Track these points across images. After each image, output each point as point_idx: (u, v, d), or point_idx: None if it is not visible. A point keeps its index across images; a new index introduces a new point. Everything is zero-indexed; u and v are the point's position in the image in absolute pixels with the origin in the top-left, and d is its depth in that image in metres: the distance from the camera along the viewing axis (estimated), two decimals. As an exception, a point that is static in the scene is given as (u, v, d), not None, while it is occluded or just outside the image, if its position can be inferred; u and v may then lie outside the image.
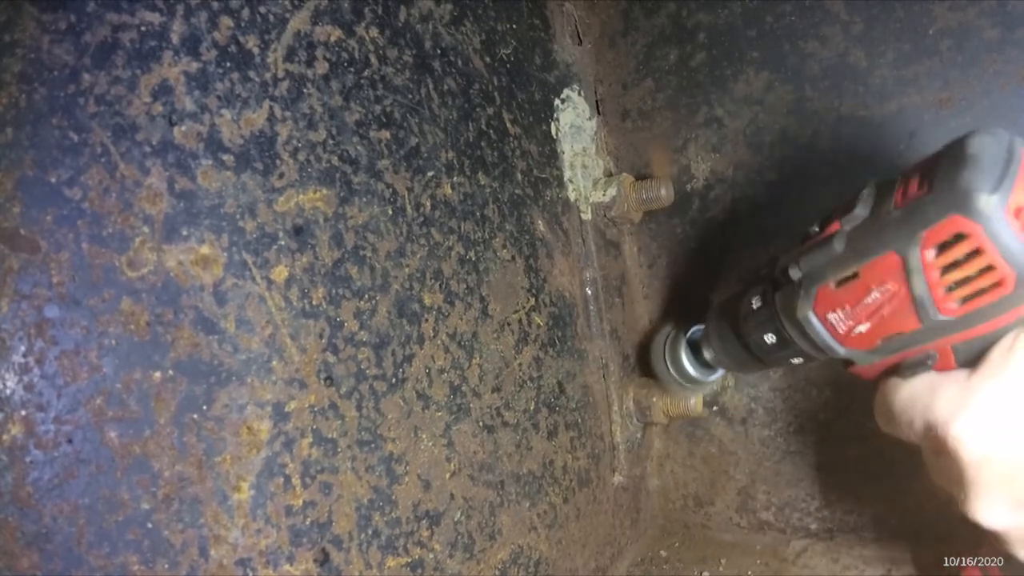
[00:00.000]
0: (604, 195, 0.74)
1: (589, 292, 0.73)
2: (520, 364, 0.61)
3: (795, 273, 0.47)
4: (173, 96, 0.38)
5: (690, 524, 0.83)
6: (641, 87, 0.78)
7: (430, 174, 0.53)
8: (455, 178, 0.56)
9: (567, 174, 0.73)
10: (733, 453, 0.78)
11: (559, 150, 0.72)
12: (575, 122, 0.75)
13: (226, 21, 0.41)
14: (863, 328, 0.43)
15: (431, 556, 0.49)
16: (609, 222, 0.77)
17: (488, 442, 0.56)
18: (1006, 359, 0.38)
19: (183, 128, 0.38)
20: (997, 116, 0.60)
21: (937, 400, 0.41)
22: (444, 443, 0.52)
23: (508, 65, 0.66)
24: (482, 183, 0.59)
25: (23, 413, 0.32)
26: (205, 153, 0.39)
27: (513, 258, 0.62)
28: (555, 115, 0.72)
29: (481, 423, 0.55)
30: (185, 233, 0.38)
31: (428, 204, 0.53)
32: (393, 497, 0.47)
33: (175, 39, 0.38)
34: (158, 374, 0.36)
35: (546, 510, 0.62)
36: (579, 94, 0.76)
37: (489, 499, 0.55)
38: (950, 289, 0.38)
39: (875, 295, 0.41)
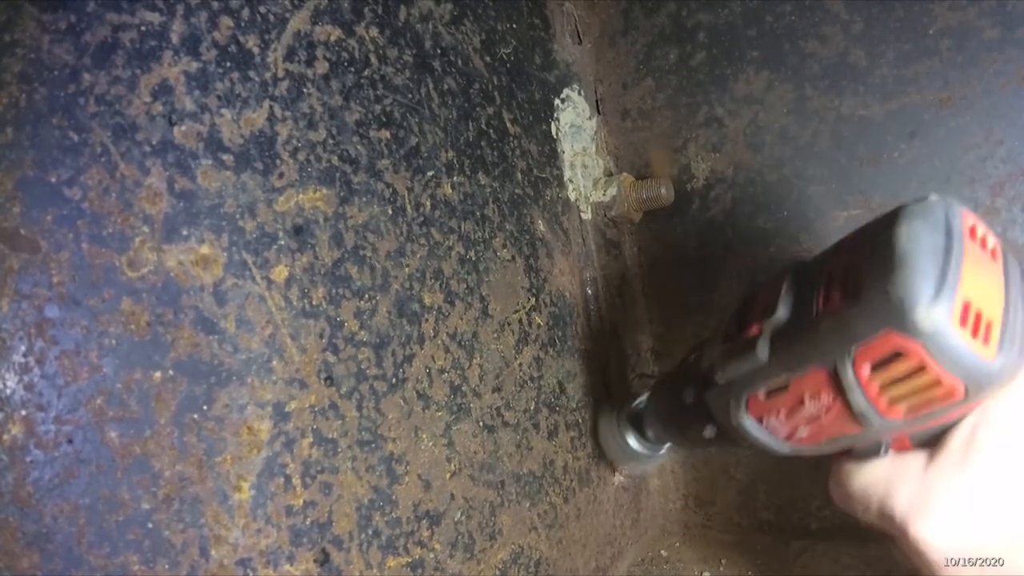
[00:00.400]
0: (604, 195, 0.74)
1: (589, 292, 0.73)
2: (520, 364, 0.61)
3: (720, 378, 0.44)
4: (173, 96, 0.38)
5: (690, 524, 0.83)
6: (641, 87, 0.78)
7: (430, 174, 0.53)
8: (455, 178, 0.56)
9: (567, 174, 0.73)
10: (733, 453, 0.78)
11: (559, 150, 0.72)
12: (575, 122, 0.75)
13: (226, 21, 0.41)
14: (804, 433, 0.40)
15: (431, 556, 0.49)
16: (609, 222, 0.77)
17: (488, 442, 0.56)
18: (967, 449, 0.36)
19: (183, 128, 0.38)
20: (997, 116, 0.60)
21: (895, 493, 0.38)
22: (444, 443, 0.52)
23: (508, 65, 0.66)
24: (482, 183, 0.59)
25: (23, 413, 0.32)
26: (205, 153, 0.39)
27: (513, 258, 0.62)
28: (555, 115, 0.72)
29: (481, 423, 0.55)
30: (185, 233, 0.38)
31: (428, 204, 0.53)
32: (393, 497, 0.47)
33: (175, 39, 0.38)
34: (158, 374, 0.36)
35: (546, 510, 0.62)
36: (579, 94, 0.76)
37: (489, 499, 0.55)
38: (894, 400, 0.35)
39: (810, 407, 0.38)
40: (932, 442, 0.38)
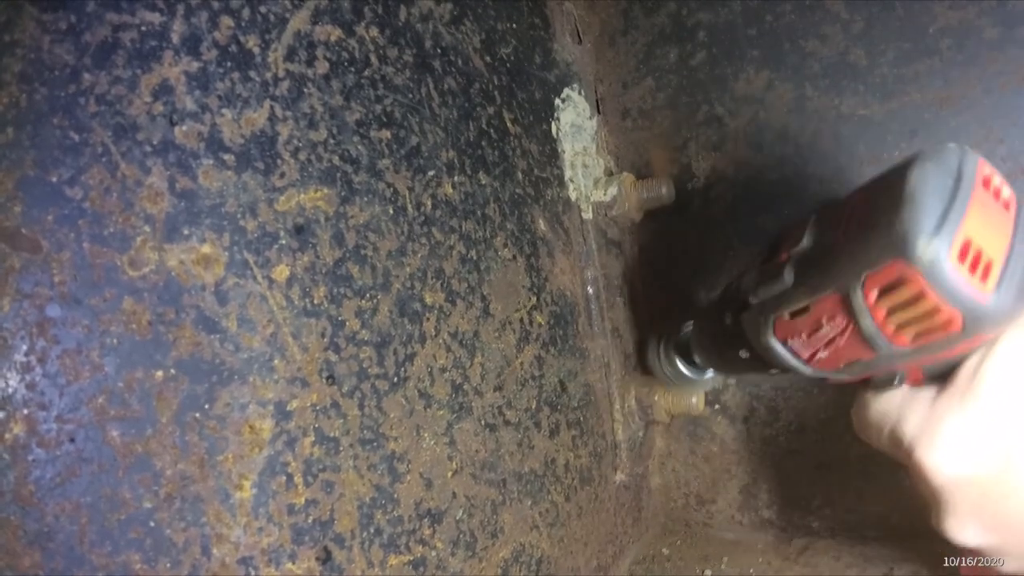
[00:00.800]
0: (605, 194, 0.74)
1: (590, 291, 0.73)
2: (522, 363, 0.61)
3: (753, 299, 0.47)
4: (174, 96, 0.38)
5: (692, 522, 0.83)
6: (641, 86, 0.78)
7: (431, 173, 0.53)
8: (456, 177, 0.56)
9: (568, 173, 0.73)
10: (735, 451, 0.78)
11: (560, 149, 0.72)
12: (575, 121, 0.75)
13: (226, 21, 0.41)
14: (823, 355, 0.43)
15: (433, 554, 0.49)
16: (610, 221, 0.77)
17: (490, 441, 0.56)
18: (971, 383, 0.39)
19: (184, 128, 0.38)
20: (998, 115, 0.60)
21: (905, 420, 0.42)
22: (446, 442, 0.52)
23: (508, 64, 0.66)
24: (483, 182, 0.59)
25: (25, 412, 0.32)
26: (206, 153, 0.39)
27: (514, 257, 0.62)
28: (555, 114, 0.72)
29: (483, 422, 0.55)
30: (186, 232, 0.38)
31: (429, 203, 0.53)
32: (395, 495, 0.47)
33: (175, 39, 0.38)
34: (160, 373, 0.36)
35: (548, 508, 0.62)
36: (579, 93, 0.76)
37: (491, 497, 0.55)
38: (899, 327, 0.37)
39: (827, 329, 0.41)
40: (943, 377, 0.40)
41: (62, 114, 0.34)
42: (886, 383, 0.43)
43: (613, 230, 0.79)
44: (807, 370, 0.46)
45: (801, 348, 0.44)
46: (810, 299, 0.41)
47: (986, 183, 0.37)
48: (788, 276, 0.43)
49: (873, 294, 0.37)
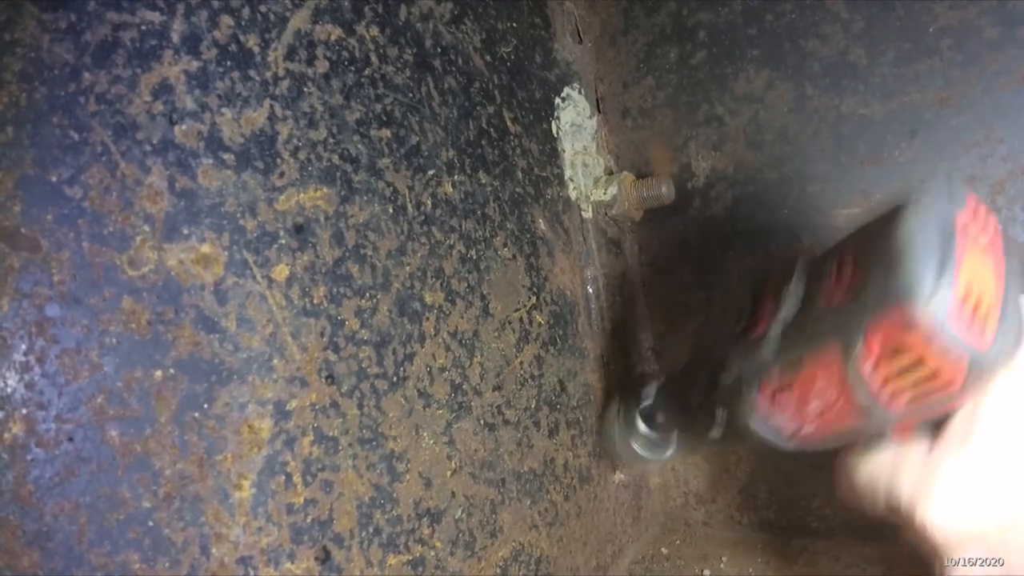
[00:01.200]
0: (605, 193, 0.74)
1: (590, 290, 0.73)
2: (521, 362, 0.61)
3: (726, 379, 0.45)
4: (174, 95, 0.38)
5: (691, 522, 0.83)
6: (642, 85, 0.78)
7: (431, 172, 0.53)
8: (456, 176, 0.56)
9: (568, 172, 0.73)
10: (734, 451, 0.78)
11: (560, 148, 0.72)
12: (576, 120, 0.75)
13: (226, 20, 0.41)
14: (809, 428, 0.41)
15: (432, 554, 0.49)
16: (610, 220, 0.77)
17: (489, 440, 0.56)
18: (967, 433, 0.37)
19: (184, 127, 0.38)
20: (997, 115, 0.60)
21: (899, 480, 0.39)
22: (445, 441, 0.52)
23: (508, 63, 0.66)
24: (483, 181, 0.59)
25: (24, 411, 0.32)
26: (206, 152, 0.39)
27: (514, 256, 0.62)
28: (556, 113, 0.72)
29: (482, 421, 0.55)
30: (186, 232, 0.38)
31: (429, 203, 0.53)
32: (394, 495, 0.47)
33: (175, 38, 0.38)
34: (159, 373, 0.36)
35: (547, 508, 0.62)
36: (580, 92, 0.76)
37: (490, 497, 0.55)
38: (896, 392, 0.35)
39: (816, 403, 0.39)
40: (934, 428, 0.39)
41: (62, 113, 0.34)
42: (874, 444, 0.41)
43: (613, 229, 0.79)
44: (788, 445, 0.43)
45: (785, 424, 0.42)
46: (796, 374, 0.39)
47: (973, 221, 0.35)
48: (768, 350, 0.41)
49: (868, 364, 0.35)
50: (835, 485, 0.45)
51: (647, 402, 0.63)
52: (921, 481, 0.38)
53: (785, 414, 0.41)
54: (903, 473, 0.39)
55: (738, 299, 0.48)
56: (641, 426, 0.64)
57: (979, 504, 0.36)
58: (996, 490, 0.36)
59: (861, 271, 0.36)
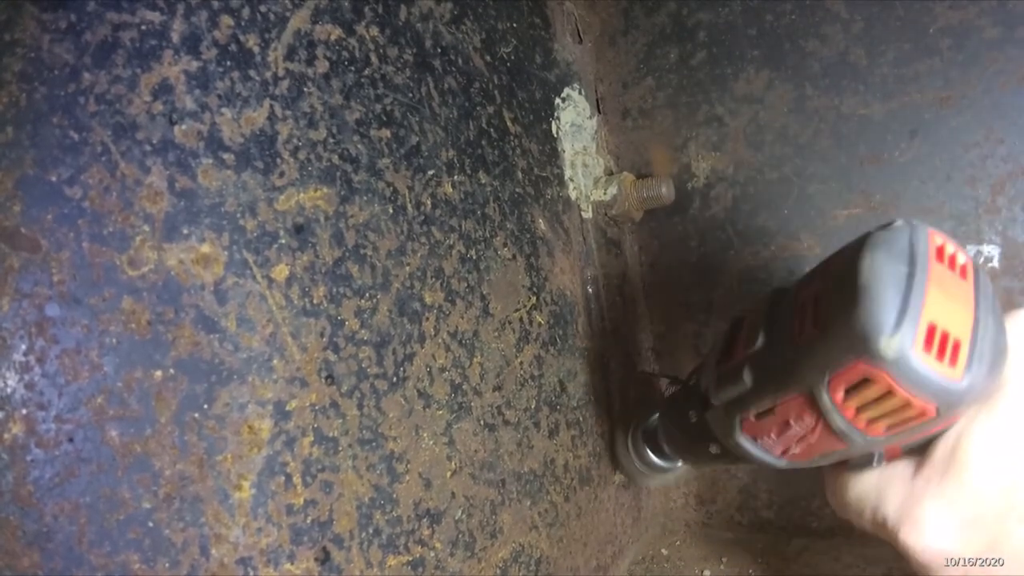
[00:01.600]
0: (605, 194, 0.74)
1: (590, 290, 0.73)
2: (521, 363, 0.61)
3: (715, 400, 0.46)
4: (173, 95, 0.38)
5: (691, 522, 0.83)
6: (641, 86, 0.78)
7: (431, 173, 0.53)
8: (456, 177, 0.56)
9: (568, 173, 0.73)
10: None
11: (560, 149, 0.72)
12: (575, 121, 0.75)
13: (226, 20, 0.41)
14: (796, 450, 0.42)
15: (432, 555, 0.49)
16: (610, 221, 0.77)
17: (489, 441, 0.56)
18: (949, 461, 0.38)
19: (183, 127, 0.38)
20: (997, 115, 0.60)
21: (885, 501, 0.40)
22: (445, 442, 0.52)
23: (508, 64, 0.66)
24: (483, 182, 0.59)
25: (24, 412, 0.32)
26: (205, 152, 0.39)
27: (514, 256, 0.62)
28: (556, 114, 0.72)
29: (482, 422, 0.55)
30: (186, 232, 0.38)
31: (429, 203, 0.53)
32: (394, 496, 0.47)
33: (175, 38, 0.38)
34: (159, 373, 0.36)
35: (547, 508, 0.62)
36: (579, 93, 0.76)
37: (490, 498, 0.55)
38: (871, 421, 0.36)
39: (796, 428, 0.39)
40: (922, 449, 0.39)
41: (62, 113, 0.34)
42: (864, 463, 0.41)
43: (613, 230, 0.79)
44: (780, 463, 0.44)
45: (772, 446, 0.43)
46: (774, 401, 0.40)
47: (940, 255, 0.35)
48: (747, 378, 0.42)
49: (839, 394, 0.36)
50: (828, 499, 0.46)
51: (652, 423, 0.66)
52: (905, 505, 0.39)
53: (771, 437, 0.42)
54: (888, 494, 0.40)
55: (722, 331, 0.49)
56: (650, 455, 0.66)
57: (958, 530, 0.37)
58: (976, 517, 0.37)
59: (826, 306, 0.37)
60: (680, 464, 0.66)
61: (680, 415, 0.54)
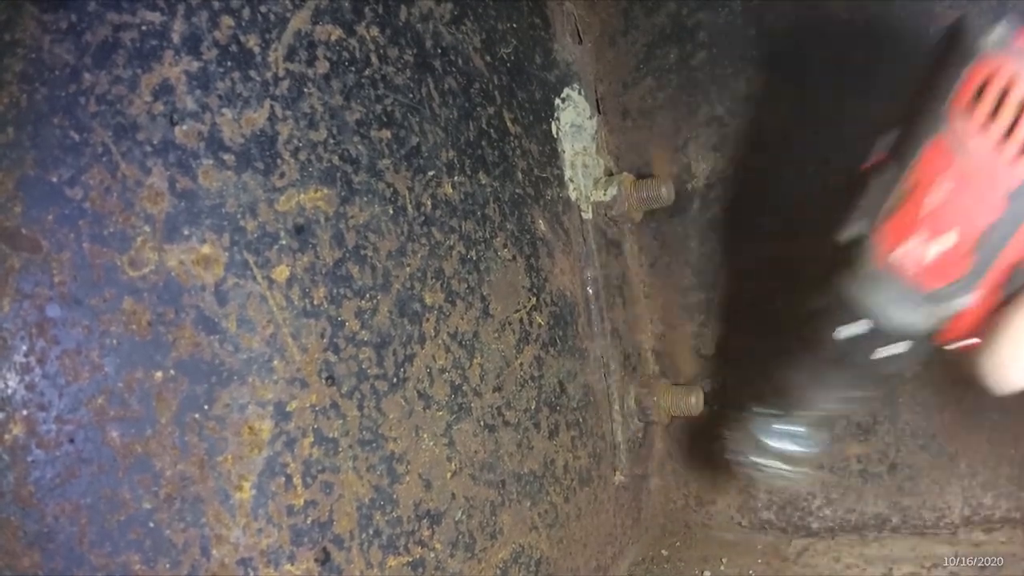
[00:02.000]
0: (605, 194, 0.74)
1: (590, 291, 0.73)
2: (521, 363, 0.61)
3: (854, 229, 0.44)
4: (174, 95, 0.38)
5: (691, 523, 0.83)
6: (641, 86, 0.78)
7: (431, 173, 0.53)
8: (456, 177, 0.56)
9: (568, 173, 0.73)
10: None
11: (560, 149, 0.72)
12: (575, 121, 0.75)
13: (227, 20, 0.41)
14: (937, 247, 0.39)
15: (432, 555, 0.49)
16: (610, 221, 0.77)
17: (489, 441, 0.56)
18: None
19: (184, 127, 0.38)
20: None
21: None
22: (445, 442, 0.52)
23: (508, 64, 0.66)
24: (483, 182, 0.59)
25: (25, 413, 0.32)
26: (206, 152, 0.39)
27: (514, 257, 0.62)
28: (555, 114, 0.72)
29: (482, 422, 0.55)
30: (186, 232, 0.38)
31: (429, 203, 0.53)
32: (394, 496, 0.47)
33: (176, 38, 0.38)
34: (160, 373, 0.36)
35: (547, 509, 0.62)
36: (579, 93, 0.76)
37: (490, 498, 0.55)
38: (1008, 134, 0.35)
39: (935, 195, 0.38)
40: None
41: (62, 114, 0.34)
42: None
43: (613, 230, 0.79)
44: (919, 296, 0.41)
45: (908, 255, 0.40)
46: (912, 165, 0.40)
47: None
48: (889, 170, 0.42)
49: (963, 115, 0.36)
50: (983, 378, 0.41)
51: (759, 411, 0.58)
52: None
53: (909, 238, 0.40)
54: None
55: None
56: (775, 445, 0.57)
57: None
58: None
59: (936, 61, 0.39)
60: (816, 448, 0.56)
61: (805, 327, 0.50)
